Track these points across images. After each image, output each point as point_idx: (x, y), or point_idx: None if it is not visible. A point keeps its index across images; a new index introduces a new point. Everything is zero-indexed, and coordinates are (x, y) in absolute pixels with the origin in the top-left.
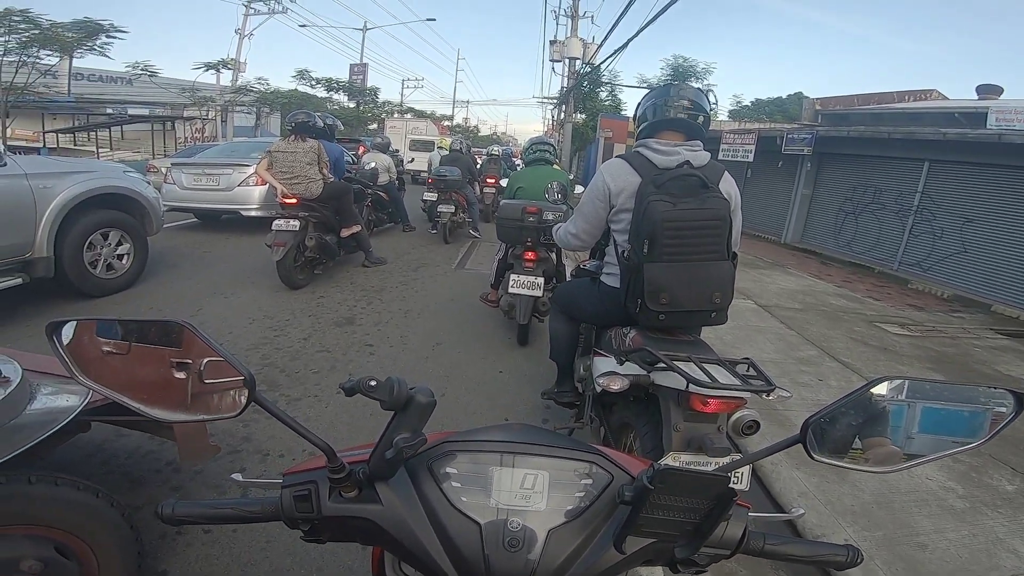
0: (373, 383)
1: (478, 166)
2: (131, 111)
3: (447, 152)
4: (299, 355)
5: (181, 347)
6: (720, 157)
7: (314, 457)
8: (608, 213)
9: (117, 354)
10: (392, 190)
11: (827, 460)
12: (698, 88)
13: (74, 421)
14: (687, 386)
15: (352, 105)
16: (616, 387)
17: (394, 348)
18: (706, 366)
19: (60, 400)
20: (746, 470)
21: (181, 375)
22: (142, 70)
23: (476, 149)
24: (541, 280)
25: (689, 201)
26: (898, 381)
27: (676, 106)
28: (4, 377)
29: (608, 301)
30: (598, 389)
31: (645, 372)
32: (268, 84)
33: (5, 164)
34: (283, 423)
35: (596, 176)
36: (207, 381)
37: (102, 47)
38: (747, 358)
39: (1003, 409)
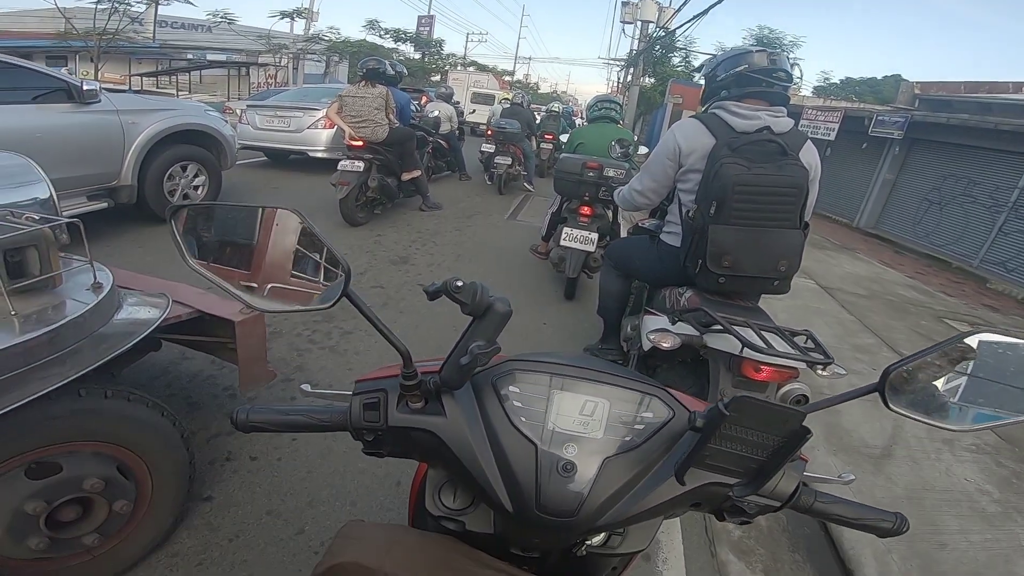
0: (459, 283)
1: (537, 122)
2: (210, 57)
3: (508, 106)
4: (355, 289)
5: (282, 238)
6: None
7: (385, 367)
8: (676, 172)
9: (222, 242)
10: (452, 139)
11: (904, 412)
12: (782, 53)
13: (150, 337)
14: (742, 350)
15: (418, 56)
16: (667, 345)
17: None
18: (764, 333)
19: (143, 312)
20: None
21: (280, 265)
22: (222, 17)
23: (535, 106)
24: (595, 236)
25: (766, 167)
26: (995, 337)
27: (774, 77)
28: (98, 283)
29: (667, 260)
30: (647, 347)
31: (698, 333)
32: (339, 33)
33: (100, 101)
34: (368, 320)
35: (667, 134)
36: (302, 275)
37: None
38: (807, 330)
39: None
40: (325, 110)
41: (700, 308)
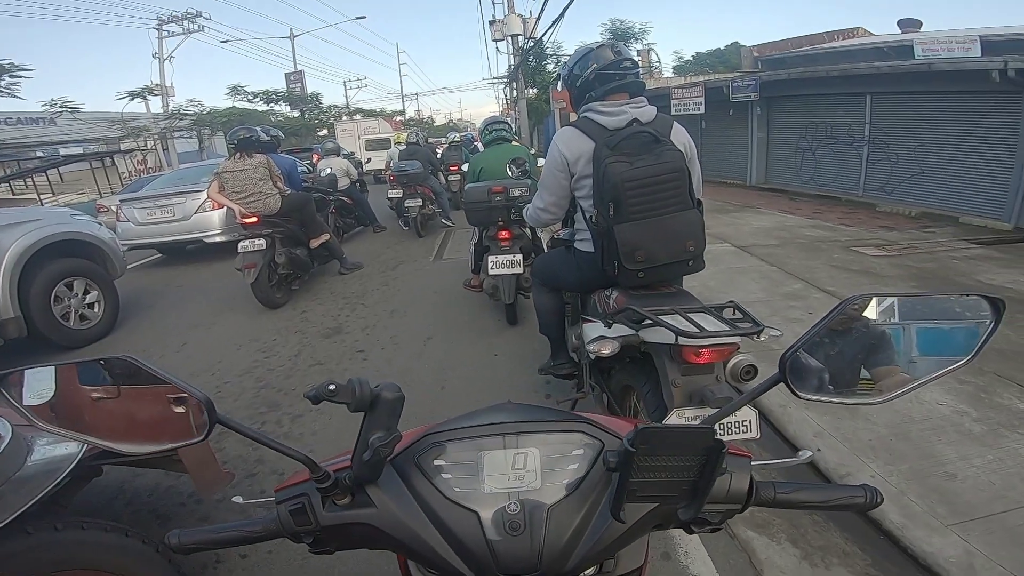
0: (332, 387)
1: (438, 155)
2: (63, 151)
3: (404, 147)
4: (293, 372)
5: (138, 381)
6: (672, 112)
7: (299, 472)
8: (570, 181)
9: (75, 395)
10: (355, 193)
11: (812, 397)
12: (622, 44)
13: (83, 466)
14: (676, 339)
15: (296, 114)
16: (607, 351)
17: (386, 350)
18: (692, 316)
19: (59, 449)
20: (753, 418)
21: (140, 404)
22: (61, 107)
23: (435, 139)
24: (520, 257)
25: (645, 158)
26: (872, 300)
27: (623, 68)
28: None
29: (586, 267)
30: (591, 356)
31: (634, 331)
32: (202, 105)
33: None
34: (254, 440)
35: (551, 147)
36: (171, 409)
37: (9, 88)
38: (731, 301)
39: (982, 318)
40: (206, 191)
41: (628, 307)
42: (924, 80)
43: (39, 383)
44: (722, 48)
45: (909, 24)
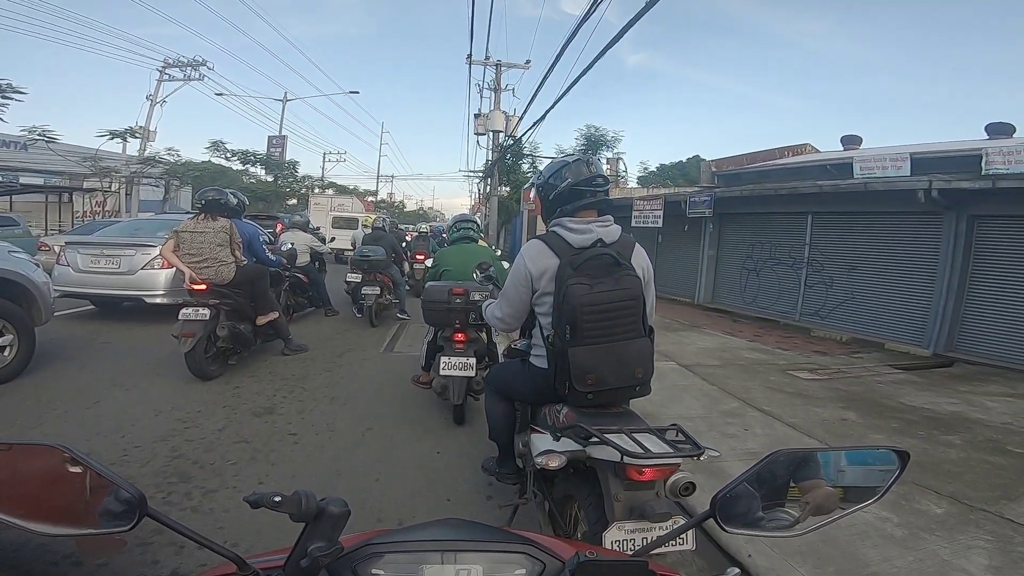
0: (278, 499)
1: (405, 244)
2: (23, 179)
3: (370, 230)
4: (214, 446)
5: (58, 468)
6: (632, 224)
7: (223, 564)
8: (531, 296)
9: None
10: (312, 272)
11: (738, 531)
12: (596, 159)
13: None
14: (622, 458)
15: (270, 179)
16: (555, 464)
17: (320, 436)
18: (637, 436)
19: None
20: (691, 533)
21: (69, 488)
22: (39, 134)
23: (404, 225)
24: (473, 360)
25: (605, 282)
26: (793, 450)
27: (595, 185)
28: None
29: (539, 381)
30: (538, 467)
31: (581, 447)
32: (179, 155)
33: None
34: (184, 536)
35: (517, 259)
36: (98, 493)
37: None
38: (675, 424)
39: (890, 466)
40: (161, 247)
41: (577, 424)
42: (859, 200)
43: None
44: (683, 160)
45: (851, 141)
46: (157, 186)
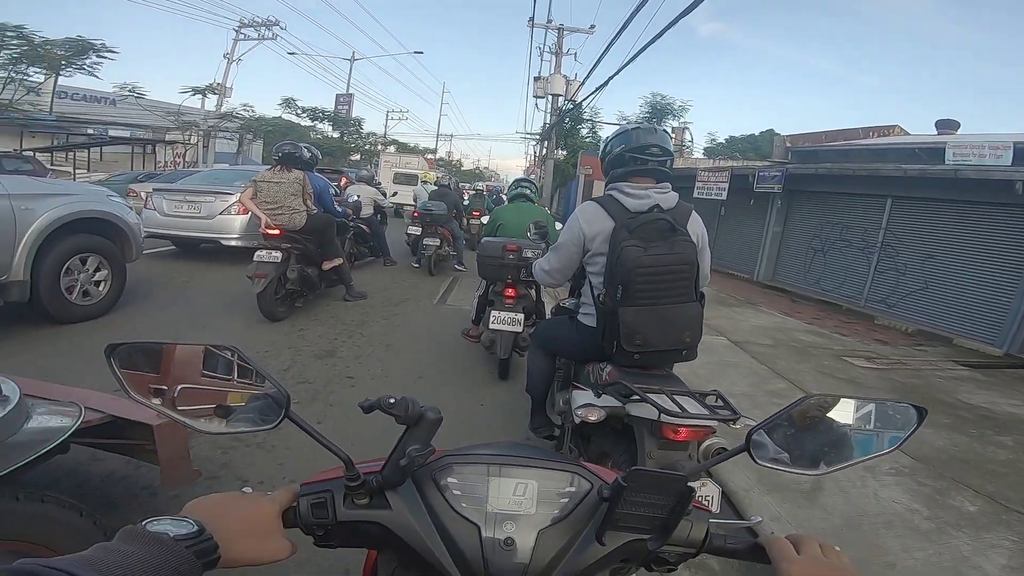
0: (392, 400)
1: (465, 202)
2: (112, 132)
3: (432, 186)
4: None
5: (217, 368)
6: (695, 195)
7: (328, 469)
8: (583, 256)
9: (161, 374)
10: (374, 223)
11: (768, 464)
12: (663, 129)
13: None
14: (659, 416)
15: (336, 135)
16: (594, 418)
17: (375, 381)
18: (677, 398)
19: (54, 420)
20: (716, 495)
21: (219, 392)
22: (129, 91)
23: (462, 184)
24: (521, 316)
25: (659, 246)
26: (829, 397)
27: (648, 154)
28: (4, 396)
29: (585, 338)
30: (577, 420)
31: (621, 404)
32: (253, 111)
33: None
34: (312, 437)
35: (571, 219)
36: (243, 397)
37: (91, 66)
38: (715, 390)
39: (910, 420)
40: (239, 195)
41: (619, 381)
42: (947, 187)
43: (133, 356)
44: (756, 134)
45: (947, 126)
46: (232, 139)
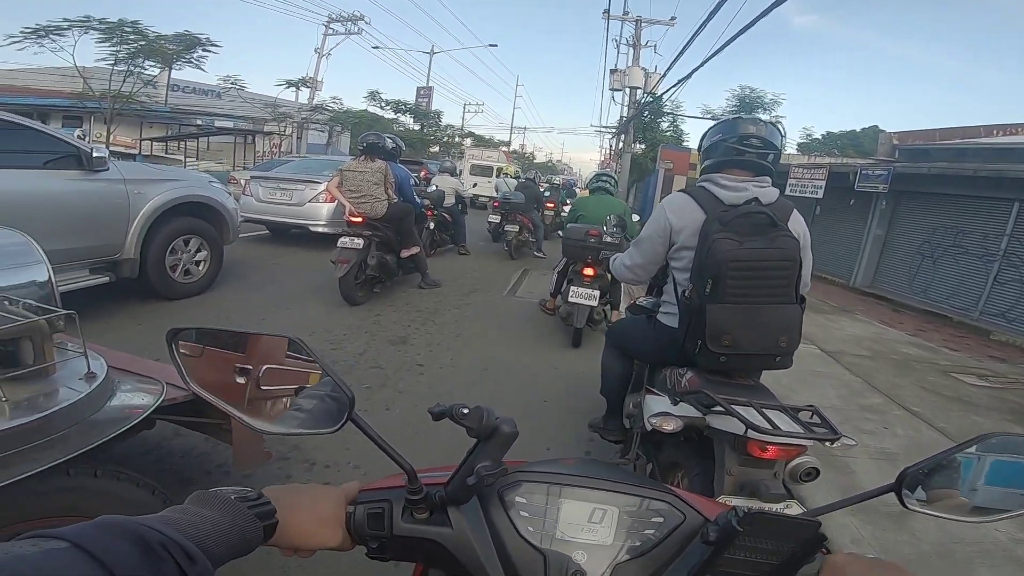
0: (466, 411)
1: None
2: (218, 123)
3: (512, 179)
4: (353, 369)
5: (285, 362)
6: (787, 192)
7: (390, 476)
8: (667, 250)
9: (225, 364)
10: (456, 212)
11: (921, 509)
12: (770, 122)
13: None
14: (746, 432)
15: (417, 127)
16: (669, 428)
17: (444, 370)
18: (767, 412)
19: (137, 398)
20: (795, 511)
21: (282, 389)
22: (232, 83)
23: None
24: (597, 293)
25: (757, 240)
26: (1006, 436)
27: (746, 144)
28: (92, 372)
29: (664, 340)
30: (649, 428)
31: (700, 415)
32: (341, 103)
33: (108, 169)
34: (374, 442)
35: (657, 210)
36: (306, 396)
37: (199, 60)
38: (811, 405)
39: None
40: (326, 183)
41: (701, 390)
42: None
43: (214, 338)
44: (857, 131)
45: None
46: (322, 131)
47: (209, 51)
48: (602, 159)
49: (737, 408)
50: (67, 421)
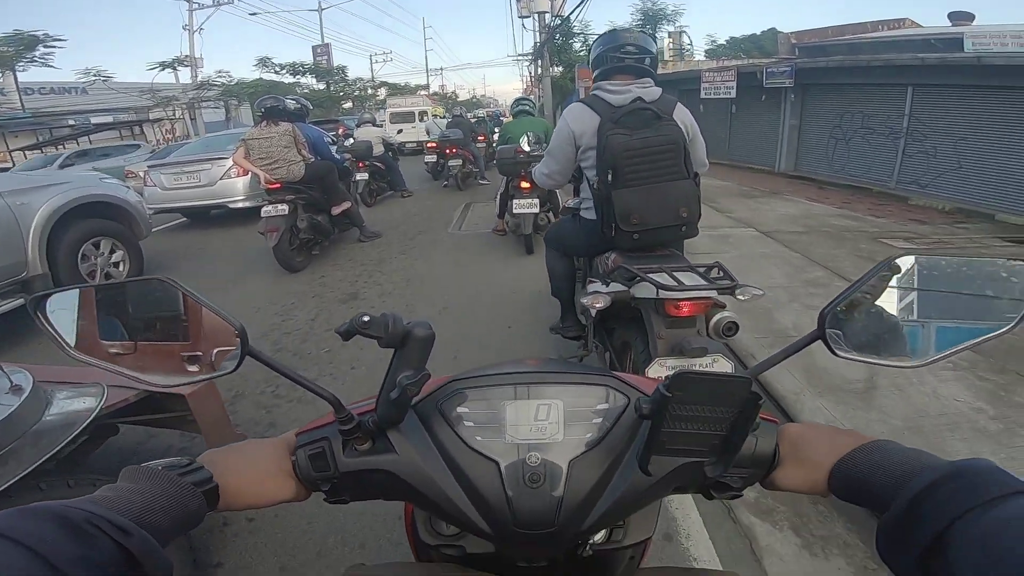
0: (366, 319)
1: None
2: (94, 120)
3: (441, 118)
4: (308, 336)
5: (172, 309)
6: (702, 96)
7: (322, 416)
8: (576, 153)
9: (102, 325)
10: (388, 159)
11: (850, 356)
12: (642, 31)
13: (100, 425)
14: (657, 293)
15: (322, 87)
16: (600, 304)
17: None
18: (677, 274)
19: (77, 403)
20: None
21: (174, 340)
22: (95, 75)
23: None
24: (537, 201)
25: (645, 131)
26: (913, 259)
27: (624, 52)
28: (16, 386)
29: (589, 232)
30: (590, 311)
31: (626, 288)
32: (230, 76)
33: None
34: (281, 374)
35: (560, 121)
36: (201, 342)
37: (43, 58)
38: (716, 262)
39: None
40: (232, 157)
41: (621, 266)
42: (971, 74)
43: (65, 307)
44: (758, 34)
45: (961, 17)
46: (218, 108)
47: (52, 47)
48: (524, 87)
49: (651, 275)
50: (8, 436)
